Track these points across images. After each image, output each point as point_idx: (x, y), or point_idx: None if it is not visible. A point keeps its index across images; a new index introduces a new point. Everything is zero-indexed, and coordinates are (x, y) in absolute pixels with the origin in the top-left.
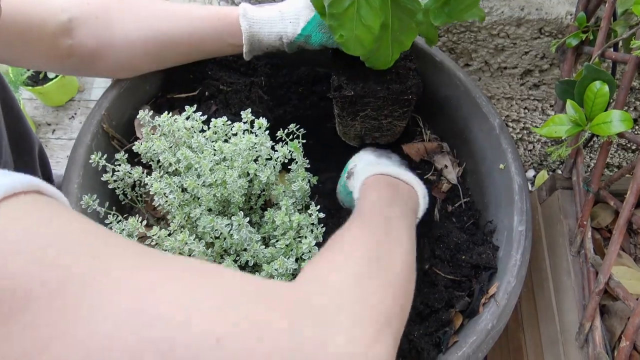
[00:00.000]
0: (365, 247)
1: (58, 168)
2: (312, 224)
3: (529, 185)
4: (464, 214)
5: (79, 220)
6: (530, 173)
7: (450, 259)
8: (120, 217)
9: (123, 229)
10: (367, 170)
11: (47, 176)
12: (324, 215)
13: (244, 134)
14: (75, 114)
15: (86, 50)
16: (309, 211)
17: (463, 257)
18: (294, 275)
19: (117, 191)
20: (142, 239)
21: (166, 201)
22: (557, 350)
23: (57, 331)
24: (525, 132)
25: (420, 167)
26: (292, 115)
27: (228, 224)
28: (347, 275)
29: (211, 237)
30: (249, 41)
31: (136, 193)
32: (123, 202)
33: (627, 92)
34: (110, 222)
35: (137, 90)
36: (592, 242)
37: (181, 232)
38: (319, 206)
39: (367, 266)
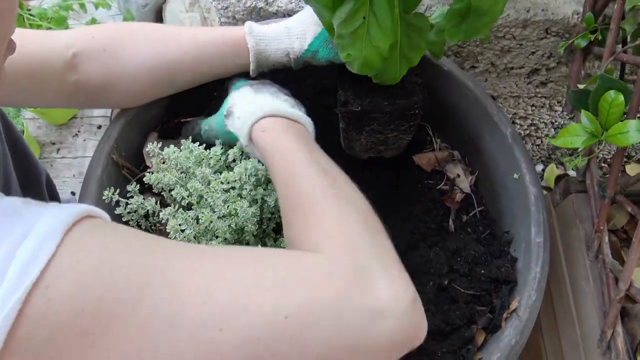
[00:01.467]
0: (348, 202)
1: (65, 187)
2: None
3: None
4: (479, 224)
5: (133, 235)
6: (539, 167)
7: (468, 272)
8: None
9: None
10: (251, 112)
11: (55, 201)
12: None
13: (242, 157)
14: (79, 131)
15: (94, 84)
16: None
17: (482, 271)
18: None
19: (131, 223)
20: None
21: (184, 237)
22: (578, 355)
23: (142, 345)
24: (532, 128)
25: (432, 177)
26: None
27: None
28: (349, 234)
29: None
30: (256, 58)
31: (150, 223)
32: None
33: None
34: None
35: (144, 116)
36: (609, 246)
37: None
38: None
39: (354, 221)
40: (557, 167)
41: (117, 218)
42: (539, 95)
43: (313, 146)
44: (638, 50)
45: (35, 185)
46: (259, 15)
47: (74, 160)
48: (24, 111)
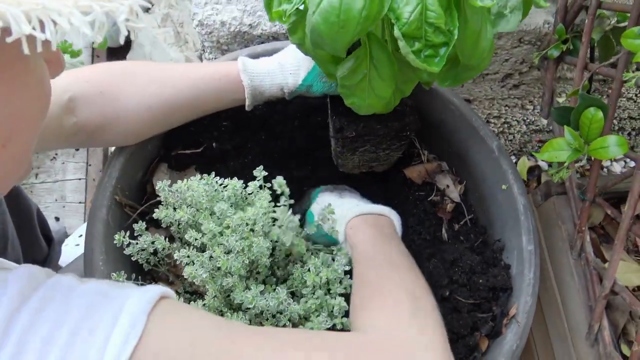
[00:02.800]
0: (399, 286)
1: (47, 212)
2: (340, 279)
3: None
4: (470, 232)
5: (201, 315)
6: (512, 159)
7: (467, 282)
8: (142, 283)
9: None
10: (346, 214)
11: (46, 234)
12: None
13: (260, 189)
14: (57, 154)
15: (92, 126)
16: (335, 265)
17: (480, 280)
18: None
19: (140, 260)
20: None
21: (201, 280)
22: (566, 347)
23: None
24: (505, 125)
25: (423, 189)
26: (290, 147)
27: (262, 294)
28: (402, 316)
29: (245, 305)
30: (252, 94)
31: (158, 258)
32: (146, 269)
33: (615, 110)
34: None
35: (142, 151)
36: (590, 244)
37: (215, 301)
38: (343, 259)
39: (411, 302)
40: (528, 160)
41: (127, 258)
42: (512, 96)
43: (389, 238)
44: (604, 56)
45: (28, 222)
46: (243, 39)
47: (54, 184)
48: None
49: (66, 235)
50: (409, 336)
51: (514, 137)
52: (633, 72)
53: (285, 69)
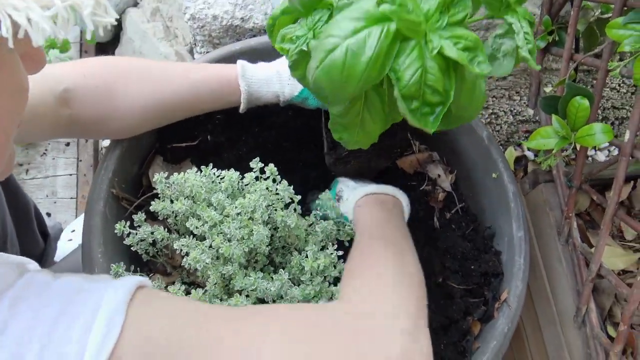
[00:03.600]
0: (388, 262)
1: (41, 208)
2: (334, 263)
3: None
4: (462, 220)
5: (180, 302)
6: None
7: (459, 269)
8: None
9: None
10: (355, 194)
11: (42, 229)
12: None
13: (256, 180)
14: (47, 150)
15: (87, 119)
16: (329, 251)
17: (472, 266)
18: None
19: (140, 251)
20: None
21: (204, 266)
22: (555, 331)
23: None
24: (493, 116)
25: (415, 178)
26: (284, 138)
27: (263, 280)
28: (386, 289)
29: (247, 291)
30: (247, 100)
31: (156, 249)
32: (145, 260)
33: (600, 99)
34: None
35: (138, 145)
36: (577, 230)
37: (216, 288)
38: (335, 246)
39: (397, 276)
40: (515, 150)
41: (125, 250)
42: (499, 87)
43: (391, 215)
44: (588, 47)
45: (25, 218)
46: (235, 32)
47: (44, 180)
48: None
49: (61, 231)
50: (384, 313)
51: (501, 127)
52: (617, 62)
53: (283, 78)
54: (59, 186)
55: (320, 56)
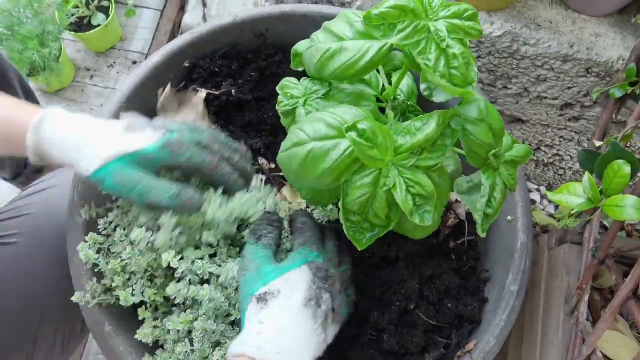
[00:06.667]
0: None
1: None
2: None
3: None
4: (464, 254)
5: None
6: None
7: (437, 302)
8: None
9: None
10: (249, 344)
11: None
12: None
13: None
14: (115, 62)
15: None
16: None
17: (449, 304)
18: None
19: None
20: None
21: None
22: None
23: None
24: (557, 158)
25: None
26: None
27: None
28: None
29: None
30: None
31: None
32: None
33: None
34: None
35: (159, 79)
36: (587, 305)
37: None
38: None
39: None
40: None
41: None
42: (569, 129)
43: None
44: None
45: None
46: None
47: (104, 90)
48: (64, 33)
49: None
50: None
51: (564, 172)
52: None
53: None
54: None
55: (287, 143)
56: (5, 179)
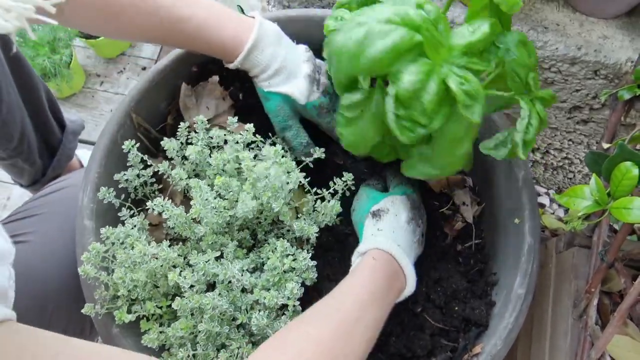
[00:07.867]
0: (321, 344)
1: (100, 120)
2: (298, 270)
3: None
4: (472, 257)
5: (41, 337)
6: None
7: (444, 305)
8: (134, 211)
9: (134, 225)
10: (379, 241)
11: (58, 117)
12: (315, 262)
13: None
14: (124, 68)
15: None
16: (301, 256)
17: (456, 307)
18: (280, 308)
19: (129, 189)
20: (154, 226)
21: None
22: None
23: None
24: (566, 161)
25: (439, 198)
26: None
27: (218, 260)
28: None
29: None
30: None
31: (149, 189)
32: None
33: None
34: (124, 216)
35: (169, 82)
36: (596, 309)
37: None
38: (310, 254)
39: None
40: None
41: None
42: (578, 132)
43: (380, 300)
44: None
45: (34, 98)
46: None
47: (114, 95)
48: (75, 39)
49: (82, 127)
50: None
51: (574, 176)
52: None
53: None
54: None
55: (346, 26)
56: (22, 186)
